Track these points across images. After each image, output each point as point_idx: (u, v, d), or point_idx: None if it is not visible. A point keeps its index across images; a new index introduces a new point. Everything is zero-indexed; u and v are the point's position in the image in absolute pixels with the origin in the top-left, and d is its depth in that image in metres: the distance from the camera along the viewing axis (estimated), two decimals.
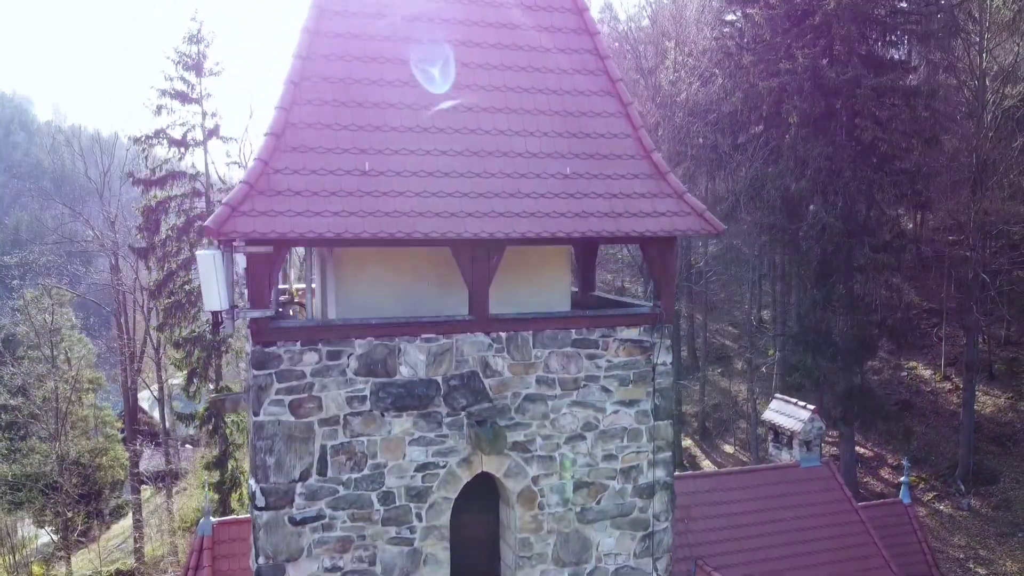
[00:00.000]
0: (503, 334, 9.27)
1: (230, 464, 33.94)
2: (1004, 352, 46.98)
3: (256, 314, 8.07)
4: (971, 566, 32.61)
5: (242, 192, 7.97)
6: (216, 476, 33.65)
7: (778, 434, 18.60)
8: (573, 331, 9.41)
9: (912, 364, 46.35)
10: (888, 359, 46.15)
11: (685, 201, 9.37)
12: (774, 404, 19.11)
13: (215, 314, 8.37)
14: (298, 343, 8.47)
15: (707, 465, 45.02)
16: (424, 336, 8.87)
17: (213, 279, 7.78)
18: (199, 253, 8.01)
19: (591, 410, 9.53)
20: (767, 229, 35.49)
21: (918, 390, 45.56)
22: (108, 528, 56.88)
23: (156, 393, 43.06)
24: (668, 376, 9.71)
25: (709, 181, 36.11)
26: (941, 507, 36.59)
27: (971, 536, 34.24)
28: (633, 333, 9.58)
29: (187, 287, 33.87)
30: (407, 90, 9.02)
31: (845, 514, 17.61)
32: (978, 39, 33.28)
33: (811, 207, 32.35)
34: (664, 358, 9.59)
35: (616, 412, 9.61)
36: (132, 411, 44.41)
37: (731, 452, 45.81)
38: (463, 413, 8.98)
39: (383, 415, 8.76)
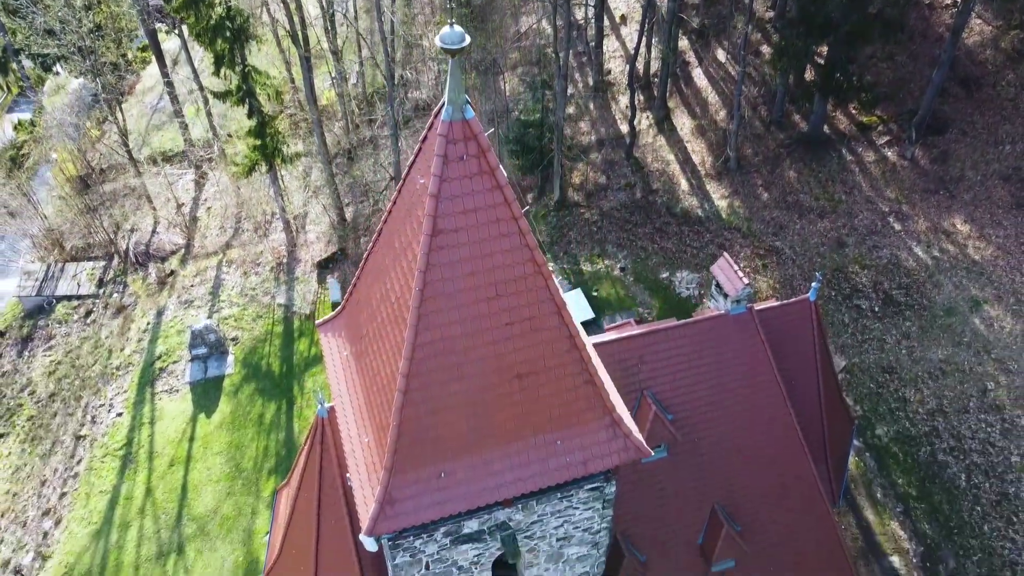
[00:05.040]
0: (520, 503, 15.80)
1: (268, 131, 38.76)
2: None
3: None
4: (891, 221, 38.87)
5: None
6: (258, 141, 38.86)
7: (719, 285, 24.22)
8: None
9: None
10: None
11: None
12: (721, 262, 24.24)
13: None
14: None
15: (697, 74, 48.11)
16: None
17: None
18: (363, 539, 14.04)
19: None
20: None
21: (917, 2, 45.31)
22: (140, 79, 62.46)
23: None
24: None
25: None
26: (888, 154, 41.22)
27: (902, 190, 39.58)
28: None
29: None
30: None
31: (758, 352, 24.24)
32: None
33: None
34: None
35: None
36: None
37: (723, 60, 48.25)
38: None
39: None
